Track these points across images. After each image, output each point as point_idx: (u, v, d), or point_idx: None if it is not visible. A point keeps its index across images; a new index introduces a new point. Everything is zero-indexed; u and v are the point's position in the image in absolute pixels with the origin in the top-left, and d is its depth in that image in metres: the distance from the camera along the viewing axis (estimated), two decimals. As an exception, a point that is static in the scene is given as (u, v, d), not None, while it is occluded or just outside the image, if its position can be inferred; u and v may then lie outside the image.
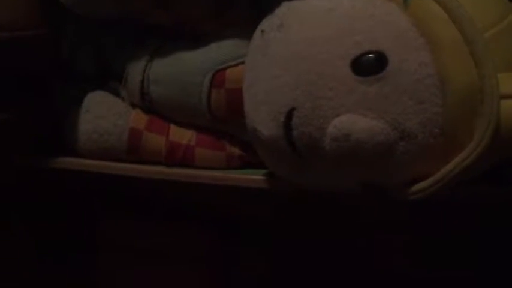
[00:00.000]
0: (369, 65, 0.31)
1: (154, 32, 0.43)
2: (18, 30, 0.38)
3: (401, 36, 0.32)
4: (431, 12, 0.31)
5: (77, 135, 0.44)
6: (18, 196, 0.50)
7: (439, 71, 0.31)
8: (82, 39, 0.45)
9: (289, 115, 0.33)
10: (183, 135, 0.44)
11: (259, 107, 0.35)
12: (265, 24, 0.36)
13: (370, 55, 0.31)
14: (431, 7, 0.31)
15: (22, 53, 0.39)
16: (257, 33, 0.37)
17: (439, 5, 0.31)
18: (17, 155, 0.44)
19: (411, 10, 0.32)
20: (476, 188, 0.36)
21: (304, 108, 0.33)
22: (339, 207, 0.43)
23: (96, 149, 0.44)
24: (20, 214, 0.52)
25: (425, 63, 0.31)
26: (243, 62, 0.39)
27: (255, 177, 0.41)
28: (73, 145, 0.44)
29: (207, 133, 0.44)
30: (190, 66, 0.41)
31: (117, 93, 0.45)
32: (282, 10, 0.36)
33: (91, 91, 0.45)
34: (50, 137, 0.45)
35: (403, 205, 0.35)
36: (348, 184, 0.36)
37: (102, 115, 0.44)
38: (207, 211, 0.49)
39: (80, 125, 0.44)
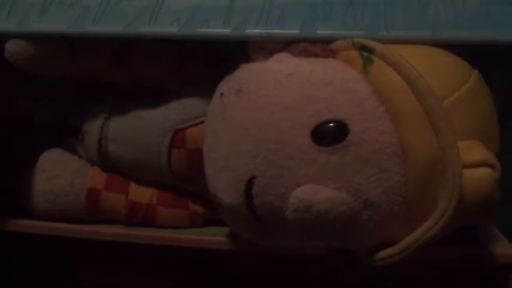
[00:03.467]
0: (330, 134, 0.31)
1: (112, 89, 0.42)
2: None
3: (361, 105, 0.31)
4: (391, 81, 0.31)
5: (32, 195, 0.42)
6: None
7: (400, 140, 0.30)
8: (38, 94, 0.44)
9: (250, 184, 0.32)
10: (143, 194, 0.42)
11: (220, 173, 0.34)
12: (224, 87, 0.35)
13: (331, 124, 0.31)
14: (390, 76, 0.31)
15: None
16: (216, 96, 0.36)
17: (398, 73, 0.31)
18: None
19: (371, 77, 0.31)
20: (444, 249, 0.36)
21: (265, 177, 0.32)
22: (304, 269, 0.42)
23: (53, 210, 0.42)
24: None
25: (386, 132, 0.30)
26: (203, 121, 0.38)
27: (218, 238, 0.40)
28: (28, 206, 0.42)
29: (169, 191, 0.43)
30: (150, 125, 0.40)
31: (73, 150, 0.44)
32: (240, 73, 0.35)
33: (46, 148, 0.43)
34: (2, 197, 0.43)
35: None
36: (313, 249, 0.35)
37: (58, 175, 0.42)
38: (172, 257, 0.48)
39: (35, 185, 0.42)
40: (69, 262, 0.52)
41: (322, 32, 0.34)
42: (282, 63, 0.34)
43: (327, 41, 0.34)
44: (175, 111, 0.39)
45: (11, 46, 0.37)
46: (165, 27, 0.36)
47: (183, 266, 0.50)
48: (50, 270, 0.52)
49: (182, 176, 0.41)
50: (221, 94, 0.35)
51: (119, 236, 0.41)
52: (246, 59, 0.36)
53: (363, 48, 0.32)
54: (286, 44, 0.35)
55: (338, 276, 0.46)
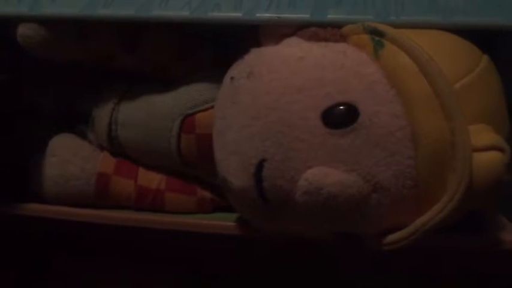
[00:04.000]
0: (340, 117, 0.31)
1: (121, 75, 0.42)
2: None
3: (372, 88, 0.31)
4: (402, 64, 0.31)
5: (42, 180, 0.42)
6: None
7: (410, 123, 0.30)
8: (48, 81, 0.44)
9: (260, 166, 0.32)
10: (152, 180, 0.43)
11: (230, 156, 0.34)
12: (235, 71, 0.35)
13: (341, 107, 0.31)
14: (402, 59, 0.31)
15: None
16: (226, 80, 0.36)
17: (409, 57, 0.31)
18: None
19: (382, 61, 0.31)
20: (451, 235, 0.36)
21: (275, 160, 0.32)
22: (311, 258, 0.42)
23: (63, 195, 0.42)
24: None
25: (396, 116, 0.30)
26: (212, 107, 0.38)
27: (226, 223, 0.40)
28: (38, 190, 0.42)
29: (177, 177, 0.43)
30: (159, 111, 0.40)
31: (83, 136, 0.44)
32: (251, 57, 0.35)
33: (56, 134, 0.44)
34: (13, 182, 0.43)
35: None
36: (321, 233, 0.35)
37: (68, 159, 0.42)
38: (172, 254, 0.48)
39: (45, 169, 0.42)
40: (65, 254, 0.52)
41: (333, 16, 0.34)
42: (293, 47, 0.34)
43: (338, 26, 0.34)
44: (185, 96, 0.40)
45: (23, 29, 0.37)
46: (177, 11, 0.36)
47: (181, 262, 0.50)
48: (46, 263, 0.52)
49: (191, 161, 0.41)
50: (231, 78, 0.35)
51: (129, 220, 0.41)
52: (255, 44, 0.36)
53: (373, 32, 0.32)
54: (297, 29, 0.35)
55: (338, 263, 0.46)
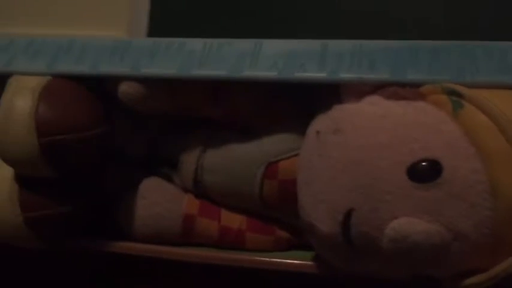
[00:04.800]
0: (425, 172, 0.34)
1: (205, 122, 0.46)
2: (85, 130, 0.40)
3: (453, 145, 0.34)
4: (481, 124, 0.34)
5: (131, 220, 0.46)
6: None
7: (489, 178, 0.33)
8: (135, 128, 0.48)
9: (348, 215, 0.35)
10: (234, 220, 0.46)
11: (318, 204, 0.37)
12: (320, 125, 0.39)
13: (426, 163, 0.34)
14: (479, 118, 0.34)
15: (87, 149, 0.41)
16: (312, 133, 0.39)
17: (487, 116, 0.34)
18: (70, 239, 0.46)
19: (461, 120, 0.35)
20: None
21: (363, 210, 0.35)
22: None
23: (151, 234, 0.46)
24: None
25: (476, 171, 0.33)
26: (294, 155, 0.42)
27: (303, 262, 0.43)
28: (127, 229, 0.46)
29: (257, 217, 0.46)
30: (244, 157, 0.43)
31: (168, 178, 0.48)
32: (335, 113, 0.38)
33: (143, 176, 0.47)
34: (100, 221, 0.47)
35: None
36: (402, 275, 0.38)
37: (157, 201, 0.46)
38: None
39: (135, 210, 0.46)
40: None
41: (412, 76, 0.37)
42: (375, 106, 0.37)
43: (416, 85, 0.37)
44: (269, 145, 0.43)
45: (125, 87, 0.41)
46: (265, 72, 0.39)
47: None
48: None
49: (272, 204, 0.44)
50: (317, 132, 0.38)
51: (211, 259, 0.45)
52: (335, 98, 0.40)
53: (452, 92, 0.36)
54: (376, 87, 0.38)
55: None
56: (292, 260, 0.44)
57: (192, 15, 0.64)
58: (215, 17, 0.62)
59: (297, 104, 0.44)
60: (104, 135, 0.42)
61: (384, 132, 0.35)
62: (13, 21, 0.77)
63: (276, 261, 0.44)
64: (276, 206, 0.44)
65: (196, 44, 0.42)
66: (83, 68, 0.42)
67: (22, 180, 0.42)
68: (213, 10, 0.63)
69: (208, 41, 0.42)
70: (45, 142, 0.39)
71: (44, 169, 0.40)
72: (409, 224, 0.33)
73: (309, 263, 0.43)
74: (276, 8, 0.60)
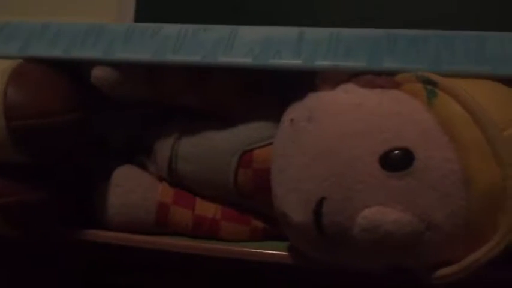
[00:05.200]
0: (398, 161, 0.33)
1: (182, 110, 0.46)
2: (56, 115, 0.39)
3: (426, 134, 0.34)
4: (454, 113, 0.33)
5: (106, 208, 0.45)
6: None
7: (462, 168, 0.33)
8: (113, 116, 0.48)
9: (320, 204, 0.35)
10: (208, 209, 0.45)
11: (290, 193, 0.37)
12: (294, 113, 0.38)
13: (398, 151, 0.33)
14: (454, 107, 0.34)
15: (60, 135, 0.41)
16: (286, 121, 0.39)
17: (461, 105, 0.33)
18: (47, 228, 0.45)
19: (435, 109, 0.34)
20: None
21: (334, 199, 0.34)
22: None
23: (125, 222, 0.45)
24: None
25: (450, 160, 0.33)
26: (269, 144, 0.41)
27: (278, 252, 0.43)
28: (102, 218, 0.45)
29: (232, 207, 0.45)
30: (219, 146, 0.43)
31: (144, 167, 0.47)
32: (310, 101, 0.38)
33: (119, 165, 0.47)
34: (79, 210, 0.46)
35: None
36: (375, 266, 0.38)
37: (131, 189, 0.45)
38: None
39: (109, 198, 0.45)
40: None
41: (388, 65, 0.37)
42: (350, 94, 0.37)
43: (392, 74, 0.37)
44: (244, 133, 0.42)
45: (97, 72, 0.40)
46: (240, 58, 0.39)
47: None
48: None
49: (247, 193, 0.43)
50: (291, 120, 0.38)
51: (186, 248, 0.44)
52: (311, 86, 0.39)
53: (427, 81, 0.35)
54: (352, 75, 0.38)
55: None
56: (267, 250, 0.43)
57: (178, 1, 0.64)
58: (202, 2, 0.62)
59: (273, 92, 0.44)
60: (78, 121, 0.42)
61: (357, 121, 0.35)
62: (1, 10, 0.76)
63: (251, 251, 0.43)
64: (250, 195, 0.44)
65: (171, 29, 0.41)
66: (56, 52, 0.41)
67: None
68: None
69: (184, 26, 0.41)
70: (13, 126, 0.38)
71: (14, 154, 0.39)
72: (380, 213, 0.33)
73: (284, 253, 0.42)
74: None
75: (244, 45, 0.39)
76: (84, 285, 0.53)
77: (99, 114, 0.46)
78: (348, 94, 0.37)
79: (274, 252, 0.43)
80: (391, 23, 0.43)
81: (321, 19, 0.55)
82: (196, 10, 0.63)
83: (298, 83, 0.40)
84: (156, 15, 0.70)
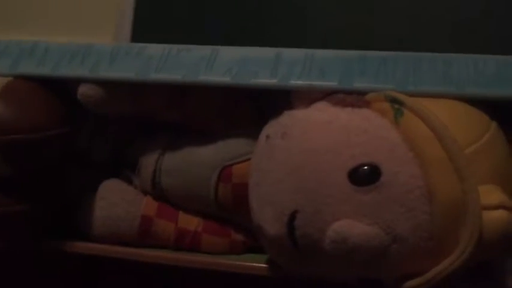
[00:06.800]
0: (365, 176, 0.35)
1: (165, 126, 0.47)
2: (44, 130, 0.41)
3: (393, 151, 0.35)
4: (419, 131, 0.35)
5: (90, 220, 0.46)
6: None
7: (427, 183, 0.34)
8: (97, 132, 0.49)
9: (292, 217, 0.37)
10: (191, 222, 0.47)
11: (265, 206, 0.38)
12: (270, 130, 0.40)
13: (365, 167, 0.35)
14: (418, 126, 0.35)
15: (46, 150, 0.42)
16: (262, 138, 0.40)
17: (425, 124, 0.35)
18: (31, 239, 0.47)
19: (402, 127, 0.36)
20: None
21: (306, 212, 0.36)
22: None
23: (109, 234, 0.46)
24: None
25: (414, 176, 0.35)
26: (247, 159, 0.43)
27: (256, 264, 0.44)
28: (86, 230, 0.47)
29: (213, 220, 0.47)
30: (200, 161, 0.45)
31: (129, 181, 0.49)
32: (284, 119, 0.40)
33: (104, 179, 0.48)
34: (63, 222, 0.47)
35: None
36: (346, 277, 0.39)
37: (116, 202, 0.47)
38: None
39: (94, 211, 0.46)
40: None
41: (359, 85, 0.39)
42: (322, 112, 0.39)
43: (363, 93, 0.39)
44: (224, 149, 0.44)
45: (84, 89, 0.42)
46: (219, 77, 0.41)
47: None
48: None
49: (227, 207, 0.45)
50: (267, 136, 0.40)
51: (166, 259, 0.45)
52: (287, 104, 0.41)
53: (394, 100, 0.37)
54: (325, 94, 0.40)
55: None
56: (246, 263, 0.45)
57: (174, 23, 0.66)
58: (197, 24, 0.64)
59: (254, 109, 0.45)
60: (64, 136, 0.43)
61: (327, 137, 0.37)
62: (2, 28, 0.78)
63: (230, 263, 0.45)
64: (230, 209, 0.45)
65: (155, 49, 0.43)
66: (44, 70, 0.43)
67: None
68: (197, 17, 0.64)
69: (168, 46, 0.43)
70: (2, 141, 0.39)
71: (0, 167, 0.41)
72: (348, 226, 0.35)
73: (263, 265, 0.44)
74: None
75: (223, 64, 0.41)
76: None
77: (84, 129, 0.47)
78: (320, 112, 0.39)
79: (253, 264, 0.44)
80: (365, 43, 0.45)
81: (297, 39, 0.57)
82: (194, 30, 0.65)
83: (276, 101, 0.42)
84: (153, 36, 0.72)
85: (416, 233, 0.35)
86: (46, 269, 0.54)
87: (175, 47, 0.43)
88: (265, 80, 0.40)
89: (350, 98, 0.39)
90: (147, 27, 0.68)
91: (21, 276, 0.56)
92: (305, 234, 0.36)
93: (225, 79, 0.41)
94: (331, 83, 0.39)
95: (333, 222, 0.35)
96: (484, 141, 0.36)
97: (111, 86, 0.43)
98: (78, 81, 0.43)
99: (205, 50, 0.43)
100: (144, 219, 0.46)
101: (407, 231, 0.35)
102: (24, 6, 0.78)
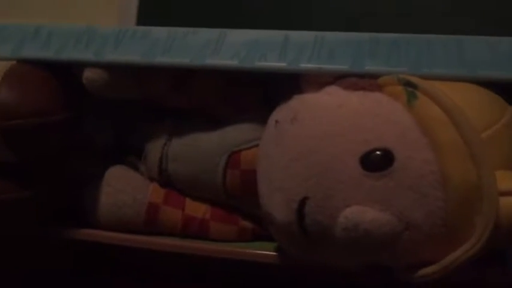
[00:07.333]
0: (377, 161, 0.34)
1: (171, 112, 0.46)
2: (48, 115, 0.40)
3: (406, 135, 0.34)
4: (433, 115, 0.34)
5: (96, 207, 0.46)
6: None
7: (441, 169, 0.33)
8: (103, 117, 0.48)
9: (302, 203, 0.36)
10: (198, 209, 0.46)
11: (274, 193, 0.37)
12: (279, 115, 0.39)
13: (378, 152, 0.34)
14: (433, 109, 0.34)
15: (49, 135, 0.41)
16: (271, 123, 0.39)
17: (440, 108, 0.34)
18: (36, 227, 0.46)
19: (415, 111, 0.35)
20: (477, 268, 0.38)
21: (316, 198, 0.35)
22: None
23: (115, 221, 0.46)
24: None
25: (428, 161, 0.34)
26: (256, 145, 0.42)
27: (265, 252, 0.43)
28: (92, 217, 0.46)
29: (221, 207, 0.46)
30: (208, 147, 0.44)
31: (135, 168, 0.48)
32: (294, 103, 0.39)
33: (110, 165, 0.48)
34: (69, 210, 0.47)
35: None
36: (355, 265, 0.38)
37: (122, 189, 0.46)
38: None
39: (100, 198, 0.46)
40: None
41: (370, 68, 0.38)
42: (333, 96, 0.37)
43: (374, 76, 0.38)
44: (232, 134, 0.43)
45: (89, 73, 0.41)
46: (227, 60, 0.40)
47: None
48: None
49: (235, 194, 0.44)
50: (276, 121, 0.39)
51: (174, 247, 0.45)
52: (296, 88, 0.40)
53: (407, 84, 0.36)
54: (336, 78, 0.39)
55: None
56: (254, 250, 0.44)
57: (180, 5, 0.65)
58: (204, 6, 0.63)
59: (261, 94, 0.45)
60: (68, 121, 0.42)
61: (338, 122, 0.36)
62: (6, 12, 0.77)
63: (238, 251, 0.44)
64: (238, 196, 0.44)
65: (161, 32, 0.42)
66: (48, 53, 0.42)
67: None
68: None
69: (173, 29, 0.42)
70: (5, 126, 0.39)
71: (3, 153, 0.40)
72: (360, 213, 0.34)
73: (272, 253, 0.43)
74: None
75: (231, 47, 0.40)
76: (72, 284, 0.54)
77: (89, 114, 0.47)
78: (330, 96, 0.38)
79: (261, 252, 0.44)
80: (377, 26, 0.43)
81: (305, 22, 0.56)
82: (200, 13, 0.64)
83: (285, 85, 0.41)
84: (159, 19, 0.71)
85: (429, 219, 0.34)
86: (51, 256, 0.53)
87: (181, 30, 0.42)
88: (273, 63, 0.39)
89: (361, 81, 0.38)
90: (153, 10, 0.67)
91: (26, 262, 0.55)
92: (315, 221, 0.35)
93: (232, 62, 0.39)
94: (342, 66, 0.38)
95: (343, 208, 0.34)
96: (500, 126, 0.35)
97: (116, 71, 0.42)
98: (82, 64, 0.42)
99: (212, 33, 0.42)
100: (151, 206, 0.46)
101: (420, 218, 0.34)
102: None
